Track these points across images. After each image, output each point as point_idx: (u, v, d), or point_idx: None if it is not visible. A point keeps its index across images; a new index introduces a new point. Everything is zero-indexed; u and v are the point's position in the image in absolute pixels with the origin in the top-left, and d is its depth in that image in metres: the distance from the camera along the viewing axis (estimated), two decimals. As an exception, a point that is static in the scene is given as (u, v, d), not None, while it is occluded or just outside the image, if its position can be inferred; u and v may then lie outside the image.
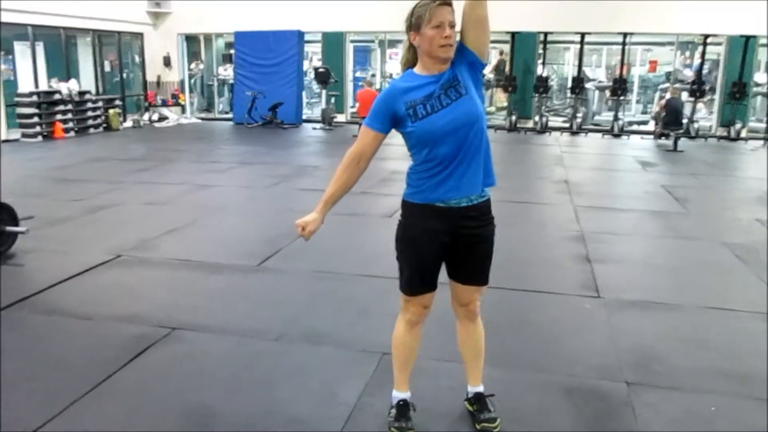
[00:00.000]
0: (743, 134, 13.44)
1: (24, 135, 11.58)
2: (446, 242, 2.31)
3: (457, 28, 2.21)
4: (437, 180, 2.23)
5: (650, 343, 3.36)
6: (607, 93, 14.63)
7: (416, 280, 2.37)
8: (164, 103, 15.55)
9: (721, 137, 13.56)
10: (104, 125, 13.28)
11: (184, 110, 16.14)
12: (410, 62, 2.31)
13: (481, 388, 2.56)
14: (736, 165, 10.71)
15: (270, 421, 2.56)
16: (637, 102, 16.76)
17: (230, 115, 15.88)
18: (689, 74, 14.52)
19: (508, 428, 2.52)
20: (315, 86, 15.97)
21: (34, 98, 11.62)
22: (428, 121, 2.19)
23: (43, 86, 12.28)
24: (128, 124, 14.24)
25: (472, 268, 2.40)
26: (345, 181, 2.29)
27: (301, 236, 2.29)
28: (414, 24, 2.19)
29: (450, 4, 2.18)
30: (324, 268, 4.45)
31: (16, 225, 4.76)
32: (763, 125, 13.53)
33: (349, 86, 15.93)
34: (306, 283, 4.21)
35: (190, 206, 6.50)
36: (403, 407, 2.50)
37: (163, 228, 5.51)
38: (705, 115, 14.68)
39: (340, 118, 15.15)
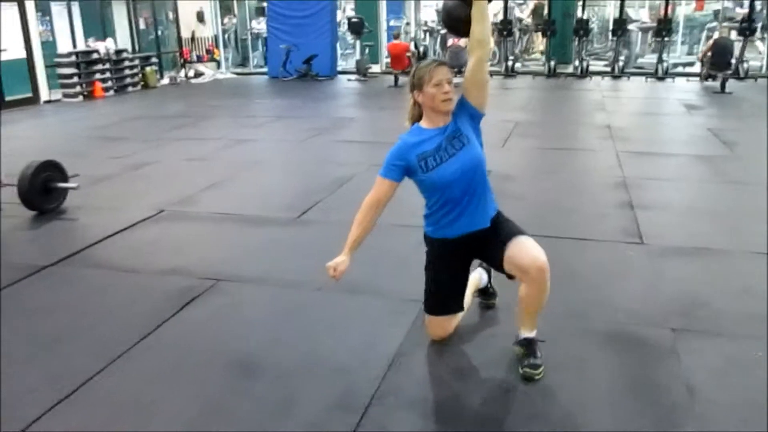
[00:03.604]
0: (796, 73, 12.82)
1: (65, 95, 11.77)
2: (468, 257, 2.70)
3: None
4: (451, 218, 2.57)
5: (695, 289, 3.30)
6: (651, 34, 14.08)
7: (437, 302, 2.72)
8: (199, 59, 15.56)
9: (772, 77, 12.98)
10: (142, 83, 13.38)
11: (219, 65, 16.15)
12: (416, 117, 2.62)
13: (532, 334, 2.56)
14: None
15: (312, 371, 2.61)
16: (683, 43, 16.10)
17: (265, 69, 15.82)
18: (740, 11, 13.83)
19: (549, 376, 2.52)
20: (349, 37, 15.75)
21: (73, 58, 11.75)
22: (439, 171, 2.50)
23: (81, 46, 12.39)
24: (165, 81, 14.33)
25: (502, 236, 2.54)
26: (366, 225, 2.60)
27: (332, 277, 2.56)
28: (417, 84, 2.51)
29: (446, 64, 2.55)
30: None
31: (66, 181, 4.89)
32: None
33: (384, 36, 15.66)
34: (344, 235, 4.19)
35: (228, 161, 6.56)
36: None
37: (203, 183, 5.58)
38: (755, 55, 14.04)
39: (375, 68, 14.96)
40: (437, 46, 16.41)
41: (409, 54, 12.87)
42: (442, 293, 2.72)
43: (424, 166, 2.51)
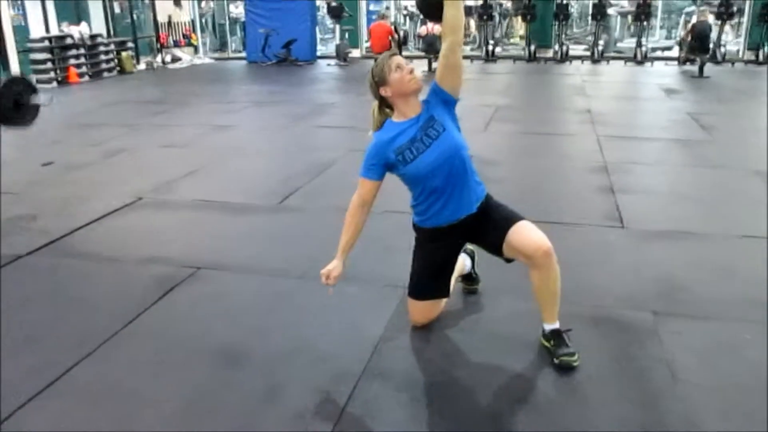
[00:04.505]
0: (772, 57, 12.95)
1: (38, 81, 11.48)
2: (460, 241, 2.70)
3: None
4: (437, 208, 2.56)
5: (676, 272, 3.32)
6: (630, 19, 14.13)
7: (422, 286, 2.70)
8: (176, 44, 15.33)
9: (748, 61, 13.10)
10: (118, 68, 13.14)
11: (196, 51, 15.93)
12: (381, 123, 2.59)
13: (557, 325, 2.55)
14: (765, 90, 10.35)
15: (297, 359, 2.58)
16: (661, 27, 16.19)
17: (243, 54, 15.64)
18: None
19: (533, 360, 2.54)
20: (328, 21, 15.62)
21: (46, 43, 11.49)
22: (417, 162, 2.48)
23: (54, 31, 12.12)
24: (141, 66, 14.10)
25: (500, 221, 2.53)
26: (355, 227, 2.61)
27: (326, 284, 2.57)
28: (379, 81, 2.49)
29: (398, 54, 2.56)
30: (342, 205, 4.36)
31: (36, 93, 4.69)
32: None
33: (363, 20, 15.55)
34: (327, 221, 4.18)
35: (207, 148, 6.48)
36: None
37: (182, 170, 5.50)
38: (731, 39, 14.16)
39: (355, 53, 14.87)
40: (417, 31, 16.34)
41: (390, 39, 12.78)
42: (429, 278, 2.70)
43: (402, 159, 2.50)
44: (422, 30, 12.51)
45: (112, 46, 13.11)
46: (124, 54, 13.30)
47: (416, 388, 2.41)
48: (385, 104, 2.57)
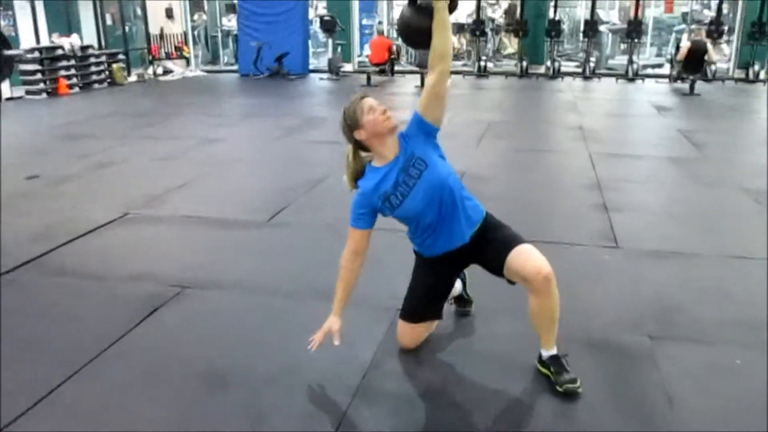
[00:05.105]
0: (762, 76, 13.06)
1: (28, 92, 11.41)
2: (460, 266, 2.69)
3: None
4: (431, 240, 2.53)
5: (671, 293, 3.28)
6: (621, 36, 14.22)
7: (416, 308, 2.66)
8: (168, 56, 15.28)
9: (738, 79, 13.20)
10: (108, 80, 13.06)
11: (188, 63, 15.87)
12: (358, 172, 2.50)
13: (555, 351, 2.49)
14: (755, 108, 10.41)
15: (286, 382, 2.52)
16: (651, 45, 16.31)
17: (236, 67, 15.60)
18: (707, 14, 14.04)
19: (529, 384, 2.48)
20: (320, 35, 15.62)
21: (36, 54, 11.40)
22: (404, 206, 2.44)
23: (45, 42, 12.04)
24: (133, 78, 14.02)
25: (500, 243, 2.48)
26: (349, 279, 2.55)
27: (336, 342, 2.52)
28: (353, 124, 2.41)
29: (367, 96, 2.46)
30: (335, 221, 4.34)
31: (10, 48, 4.60)
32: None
33: (356, 34, 15.58)
34: (317, 238, 4.14)
35: (197, 161, 6.41)
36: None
37: (171, 184, 5.43)
38: (721, 57, 14.26)
39: (347, 67, 14.85)
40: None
41: (388, 51, 12.84)
42: (426, 300, 2.66)
43: (390, 205, 2.45)
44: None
45: (104, 58, 13.03)
46: (115, 66, 13.22)
47: (409, 413, 2.34)
48: (360, 147, 2.49)
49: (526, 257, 2.39)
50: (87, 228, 4.32)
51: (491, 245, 2.50)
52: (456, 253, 2.55)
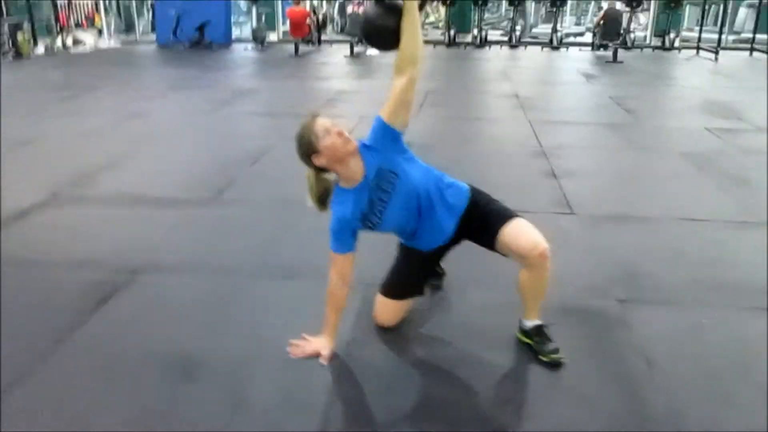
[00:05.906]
0: (677, 44, 13.59)
1: None
2: (451, 244, 2.53)
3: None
4: (415, 242, 2.49)
5: (631, 257, 3.33)
6: (547, 5, 14.44)
7: (398, 285, 2.59)
8: (78, 26, 14.34)
9: (655, 47, 13.69)
10: (13, 52, 12.13)
11: (101, 33, 14.96)
12: (321, 194, 2.35)
13: (539, 321, 2.46)
14: (675, 74, 10.85)
15: (259, 364, 2.38)
16: (571, 14, 16.67)
17: (153, 38, 14.84)
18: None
19: (508, 356, 2.45)
20: (243, 4, 15.06)
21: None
22: (384, 222, 2.35)
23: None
24: (40, 50, 13.10)
25: (492, 219, 2.39)
26: (339, 305, 2.41)
27: (322, 363, 2.37)
28: (309, 151, 2.22)
29: (317, 115, 2.26)
30: (284, 196, 4.15)
31: None
32: (695, 34, 13.71)
33: (280, 2, 15.10)
34: (270, 214, 3.97)
35: (125, 137, 6.04)
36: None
37: (100, 161, 5.08)
38: (637, 25, 14.75)
39: (272, 36, 14.41)
40: (335, 13, 16.06)
41: (308, 21, 12.47)
42: (412, 277, 2.59)
43: (370, 224, 2.36)
44: (348, 9, 12.31)
45: (6, 27, 12.06)
46: (20, 36, 12.27)
47: (394, 390, 2.26)
48: (321, 170, 2.31)
49: (519, 232, 2.33)
50: (13, 211, 3.97)
51: (481, 221, 2.42)
52: (443, 244, 2.51)
